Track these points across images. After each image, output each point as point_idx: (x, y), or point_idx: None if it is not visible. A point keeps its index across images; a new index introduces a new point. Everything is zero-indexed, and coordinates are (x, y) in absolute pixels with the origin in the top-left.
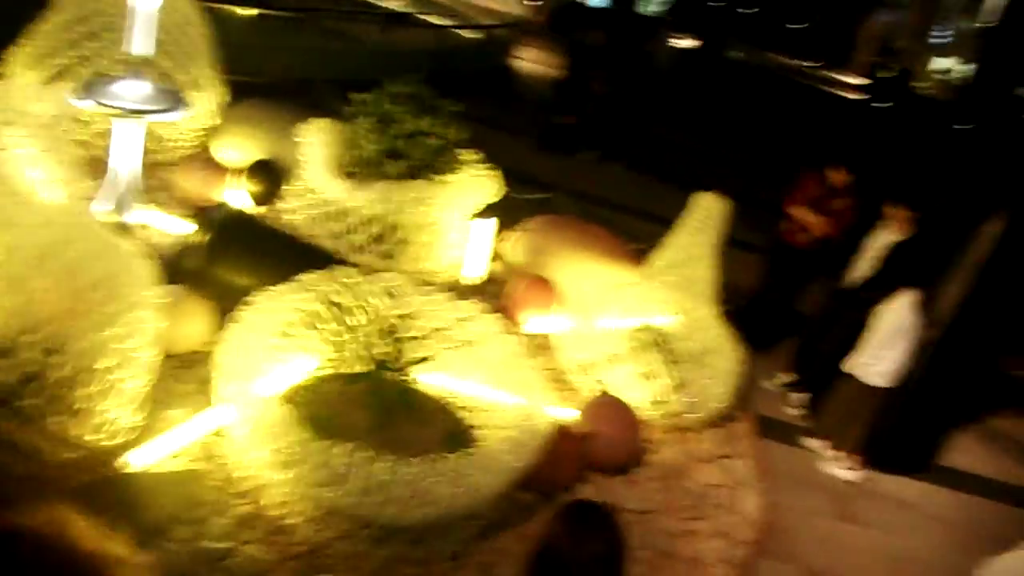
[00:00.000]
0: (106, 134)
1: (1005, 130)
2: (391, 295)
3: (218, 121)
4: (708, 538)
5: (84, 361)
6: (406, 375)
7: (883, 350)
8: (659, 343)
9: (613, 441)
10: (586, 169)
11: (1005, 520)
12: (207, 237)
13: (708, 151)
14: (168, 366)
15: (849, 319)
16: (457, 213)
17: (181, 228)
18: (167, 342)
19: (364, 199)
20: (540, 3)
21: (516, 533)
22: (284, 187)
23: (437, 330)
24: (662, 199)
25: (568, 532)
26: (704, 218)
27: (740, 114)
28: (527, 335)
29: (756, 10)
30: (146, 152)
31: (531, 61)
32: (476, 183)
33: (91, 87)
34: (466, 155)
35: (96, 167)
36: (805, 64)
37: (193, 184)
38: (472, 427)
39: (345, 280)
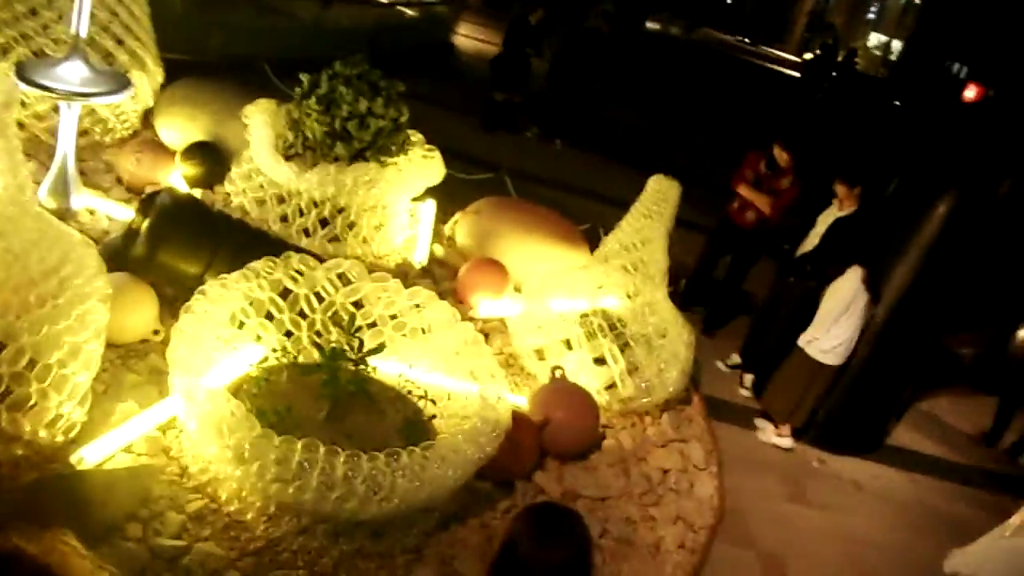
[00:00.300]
0: (44, 115)
1: (938, 105)
2: (344, 282)
3: (158, 101)
4: (667, 524)
5: (37, 355)
6: (361, 364)
7: (831, 328)
8: (611, 327)
9: (571, 427)
10: (529, 148)
11: (953, 499)
12: (150, 222)
13: (652, 129)
14: (114, 356)
15: (794, 294)
16: (404, 196)
17: (124, 213)
18: (112, 332)
19: (311, 182)
20: None
21: (475, 523)
22: (222, 170)
23: (392, 317)
24: (607, 178)
25: (533, 536)
26: (657, 201)
27: (682, 91)
28: (480, 319)
29: None
30: (87, 134)
31: (471, 37)
32: (423, 165)
33: (33, 69)
34: (413, 136)
35: (33, 149)
36: (741, 40)
37: (136, 167)
38: (430, 417)
39: (297, 267)
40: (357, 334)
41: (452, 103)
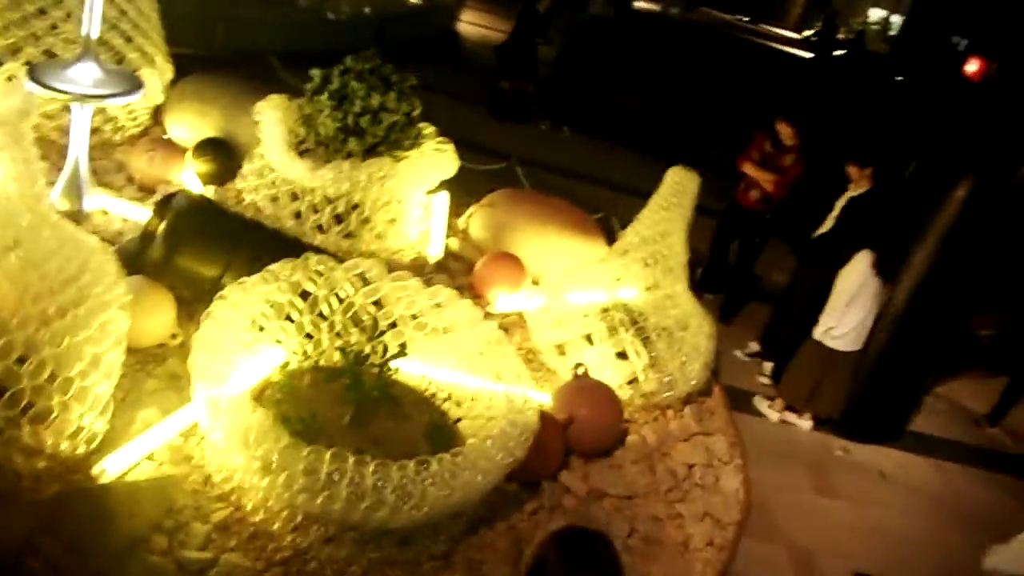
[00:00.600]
0: (54, 115)
1: (941, 79)
2: (364, 282)
3: (168, 98)
4: (694, 521)
5: (58, 367)
6: (384, 367)
7: (844, 313)
8: (632, 321)
9: (595, 425)
10: (538, 136)
11: (981, 487)
12: (167, 225)
13: (660, 114)
14: (132, 361)
15: (809, 279)
16: (418, 190)
17: (137, 213)
18: (130, 337)
19: (325, 178)
20: None
21: (503, 527)
22: (234, 166)
23: (413, 317)
24: (617, 165)
25: (562, 563)
26: (676, 192)
27: (689, 74)
28: (498, 315)
29: None
30: (98, 132)
31: (474, 24)
32: (437, 158)
33: (46, 72)
34: (425, 129)
35: (44, 149)
36: (738, 18)
37: (149, 165)
38: (455, 420)
39: (316, 268)
40: (379, 337)
41: (459, 92)
